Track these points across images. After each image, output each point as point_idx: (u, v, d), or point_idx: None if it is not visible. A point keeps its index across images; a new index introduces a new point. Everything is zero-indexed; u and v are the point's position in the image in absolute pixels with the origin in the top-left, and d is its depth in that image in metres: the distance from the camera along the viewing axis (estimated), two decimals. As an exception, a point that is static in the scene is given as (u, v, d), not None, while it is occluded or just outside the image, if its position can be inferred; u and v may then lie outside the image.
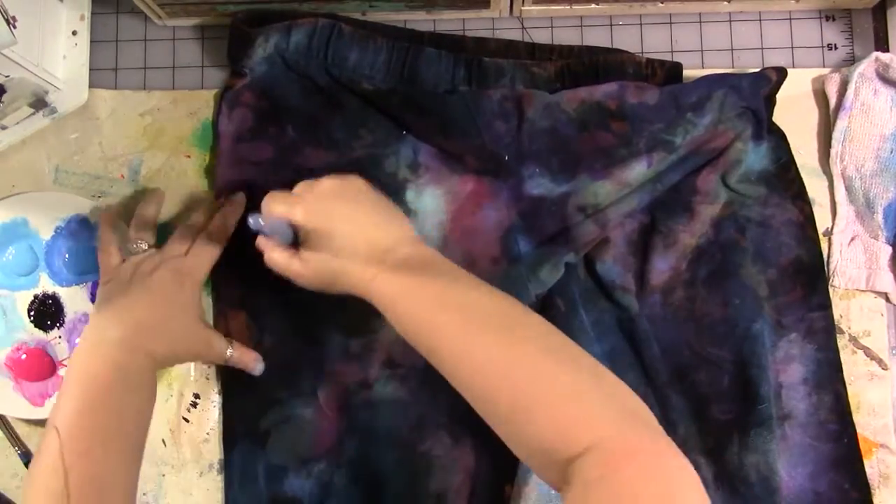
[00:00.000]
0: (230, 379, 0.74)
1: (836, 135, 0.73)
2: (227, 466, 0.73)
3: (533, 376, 0.51)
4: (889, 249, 0.73)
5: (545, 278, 0.72)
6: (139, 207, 0.72)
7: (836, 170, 0.74)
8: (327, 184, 0.62)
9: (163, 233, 0.77)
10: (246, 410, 0.73)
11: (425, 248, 0.61)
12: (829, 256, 0.74)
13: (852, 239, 0.73)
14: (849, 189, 0.74)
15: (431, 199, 0.74)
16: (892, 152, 0.73)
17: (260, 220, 0.63)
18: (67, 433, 0.58)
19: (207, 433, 0.75)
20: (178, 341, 0.67)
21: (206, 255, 0.70)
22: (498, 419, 0.53)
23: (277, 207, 0.61)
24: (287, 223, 0.62)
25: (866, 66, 0.73)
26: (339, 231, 0.60)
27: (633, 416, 0.49)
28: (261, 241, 0.64)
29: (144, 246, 0.71)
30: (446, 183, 0.74)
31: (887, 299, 0.74)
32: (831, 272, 0.73)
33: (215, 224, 0.71)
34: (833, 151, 0.73)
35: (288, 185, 0.74)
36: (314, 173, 0.73)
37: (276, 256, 0.62)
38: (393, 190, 0.74)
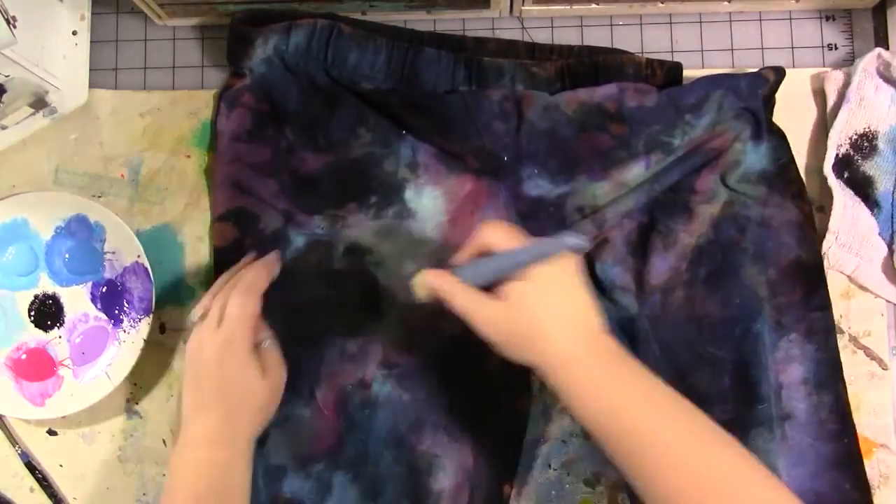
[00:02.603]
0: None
1: (837, 125, 0.73)
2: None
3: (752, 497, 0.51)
4: (884, 246, 0.73)
5: (544, 278, 0.72)
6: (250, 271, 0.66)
7: (831, 158, 0.74)
8: (568, 260, 0.58)
9: (166, 239, 0.77)
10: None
11: (619, 343, 0.57)
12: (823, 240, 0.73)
13: (851, 224, 0.73)
14: (846, 180, 0.74)
15: (430, 199, 0.74)
16: (889, 148, 0.73)
17: (576, 239, 0.56)
18: None
19: (207, 433, 0.75)
20: (254, 411, 0.62)
21: (242, 312, 0.62)
22: None
23: (516, 238, 0.57)
24: (515, 265, 0.56)
25: (869, 61, 0.73)
26: (557, 294, 0.56)
27: None
28: (436, 276, 0.58)
29: (195, 318, 0.64)
30: (445, 183, 0.74)
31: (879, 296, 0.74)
32: (823, 254, 0.73)
33: (247, 277, 0.65)
34: (831, 142, 0.73)
35: (285, 187, 0.74)
36: (311, 180, 0.74)
37: (464, 295, 0.57)
38: (392, 188, 0.74)
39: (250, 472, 0.61)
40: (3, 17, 0.65)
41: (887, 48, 0.76)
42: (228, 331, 0.61)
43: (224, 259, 0.74)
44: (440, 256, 0.72)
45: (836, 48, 0.78)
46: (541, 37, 0.78)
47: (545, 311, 0.55)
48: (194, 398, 0.61)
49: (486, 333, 0.57)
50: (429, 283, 0.59)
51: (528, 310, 0.55)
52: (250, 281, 0.64)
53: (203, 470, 0.59)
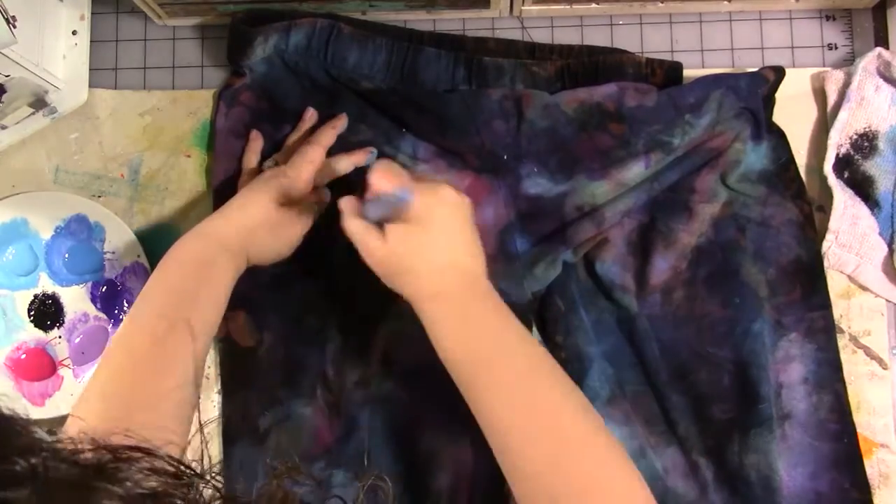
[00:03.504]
0: (230, 378, 0.74)
1: (837, 125, 0.73)
2: (227, 465, 0.72)
3: (576, 430, 0.54)
4: (884, 246, 0.73)
5: (542, 276, 0.72)
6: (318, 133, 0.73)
7: (831, 158, 0.74)
8: (450, 190, 0.60)
9: (166, 239, 0.77)
10: (245, 409, 0.73)
11: (492, 289, 0.61)
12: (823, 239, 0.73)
13: (851, 224, 0.73)
14: (846, 180, 0.74)
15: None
16: (889, 148, 0.73)
17: (400, 192, 0.59)
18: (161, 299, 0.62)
19: (208, 433, 0.75)
20: (265, 243, 0.67)
21: (303, 165, 0.69)
22: (531, 462, 0.54)
23: (399, 178, 0.59)
24: (397, 199, 0.59)
25: (869, 61, 0.73)
26: (437, 234, 0.59)
27: (641, 477, 0.54)
28: (346, 201, 0.61)
29: (273, 164, 0.72)
30: (444, 176, 0.74)
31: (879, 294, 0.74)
32: (823, 253, 0.73)
33: (312, 138, 0.72)
34: (831, 142, 0.73)
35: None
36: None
37: (357, 223, 0.60)
38: None
39: (233, 278, 0.65)
40: (3, 17, 0.65)
41: (887, 48, 0.76)
42: (289, 167, 0.69)
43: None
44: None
45: (836, 48, 0.78)
46: (541, 37, 0.78)
47: (419, 250, 0.59)
48: (223, 207, 0.67)
49: (368, 263, 0.61)
50: (339, 205, 0.62)
51: (402, 248, 0.59)
52: (317, 136, 0.72)
53: (188, 259, 0.63)
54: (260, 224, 0.66)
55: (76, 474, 0.37)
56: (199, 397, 0.62)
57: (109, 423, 0.51)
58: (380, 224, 0.60)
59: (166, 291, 0.63)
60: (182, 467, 0.39)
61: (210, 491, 0.40)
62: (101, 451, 0.38)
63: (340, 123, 0.74)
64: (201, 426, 0.65)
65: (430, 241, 0.59)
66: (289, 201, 0.68)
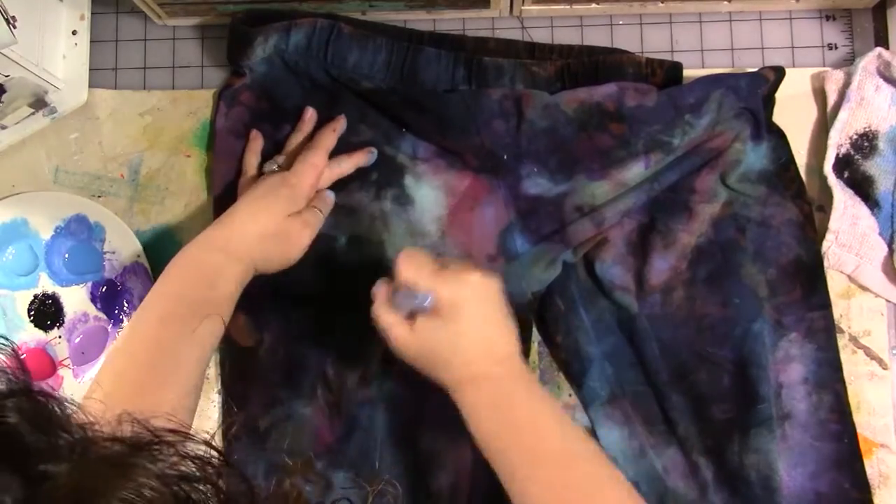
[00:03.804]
0: (230, 378, 0.74)
1: (837, 125, 0.73)
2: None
3: None
4: (884, 246, 0.73)
5: (542, 276, 0.72)
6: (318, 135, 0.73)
7: (831, 158, 0.74)
8: (476, 275, 0.59)
9: (166, 239, 0.77)
10: (246, 409, 0.73)
11: (527, 369, 0.60)
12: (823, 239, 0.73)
13: (851, 224, 0.73)
14: (846, 180, 0.74)
15: (429, 190, 0.74)
16: (889, 148, 0.73)
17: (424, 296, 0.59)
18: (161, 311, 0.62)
19: (207, 433, 0.74)
20: (274, 252, 0.67)
21: (306, 170, 0.70)
22: None
23: (425, 279, 0.59)
24: (421, 300, 0.59)
25: (869, 61, 0.73)
26: (468, 324, 0.58)
27: None
28: (379, 289, 0.61)
29: (275, 167, 0.72)
30: (444, 176, 0.74)
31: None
32: (823, 253, 0.73)
33: (313, 142, 0.72)
34: (831, 142, 0.73)
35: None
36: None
37: (388, 317, 0.60)
38: (392, 169, 0.74)
39: (239, 287, 0.65)
40: (3, 17, 0.65)
41: (887, 48, 0.76)
42: (292, 174, 0.69)
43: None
44: (439, 251, 0.73)
45: (836, 48, 0.78)
46: (541, 37, 0.78)
47: (450, 341, 0.58)
48: (230, 213, 0.67)
49: (400, 355, 0.60)
50: (373, 293, 0.62)
51: (434, 341, 0.59)
52: (319, 140, 0.72)
53: (194, 266, 0.63)
54: (270, 234, 0.66)
55: (116, 451, 0.37)
56: (197, 404, 0.62)
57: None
58: (412, 314, 0.59)
59: (171, 299, 0.62)
60: (216, 454, 0.40)
61: (236, 481, 0.40)
62: (141, 431, 0.39)
63: (340, 125, 0.74)
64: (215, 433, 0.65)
65: (460, 332, 0.58)
66: (296, 208, 0.68)
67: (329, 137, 0.72)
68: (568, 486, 0.54)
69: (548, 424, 0.57)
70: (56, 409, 0.38)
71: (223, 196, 0.75)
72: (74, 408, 0.39)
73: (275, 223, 0.67)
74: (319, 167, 0.70)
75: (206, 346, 0.62)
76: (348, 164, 0.73)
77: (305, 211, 0.69)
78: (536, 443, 0.56)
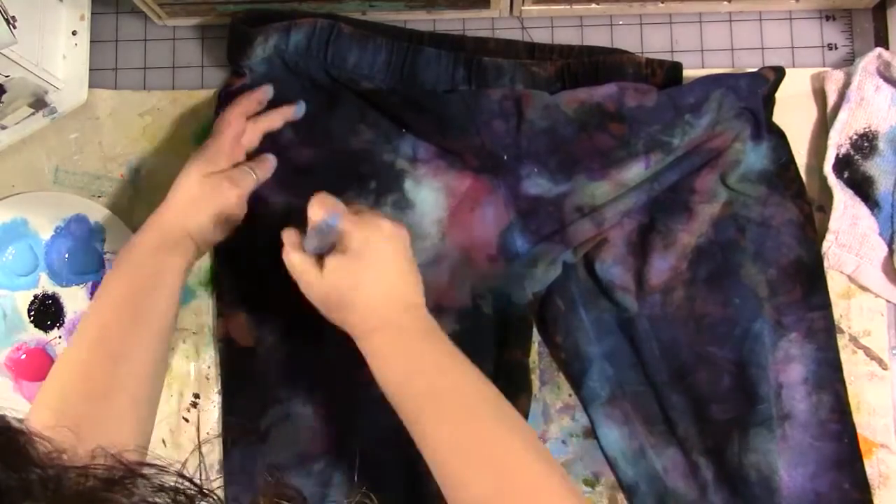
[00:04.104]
0: (230, 378, 0.74)
1: (837, 125, 0.73)
2: (227, 465, 0.72)
3: (518, 464, 0.53)
4: (884, 246, 0.73)
5: (542, 276, 0.72)
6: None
7: (831, 158, 0.74)
8: (385, 221, 0.61)
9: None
10: (245, 409, 0.73)
11: (432, 319, 0.61)
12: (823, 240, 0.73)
13: (851, 224, 0.73)
14: (846, 180, 0.74)
15: (429, 192, 0.74)
16: (889, 148, 0.73)
17: (329, 219, 0.60)
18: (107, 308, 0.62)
19: (207, 433, 0.75)
20: (202, 216, 0.67)
21: (220, 124, 0.70)
22: (472, 499, 0.53)
23: (336, 207, 0.60)
24: (331, 230, 0.60)
25: (869, 61, 0.73)
26: (374, 267, 0.59)
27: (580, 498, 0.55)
28: (286, 234, 0.62)
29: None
30: (444, 177, 0.74)
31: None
32: (823, 253, 0.73)
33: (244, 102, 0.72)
34: (831, 142, 0.73)
35: (282, 182, 0.74)
36: (310, 170, 0.74)
37: (297, 257, 0.61)
38: (391, 176, 0.74)
39: (180, 267, 0.65)
40: (3, 17, 0.65)
41: (887, 48, 0.76)
42: (210, 136, 0.70)
43: (225, 259, 0.74)
44: (439, 252, 0.73)
45: (836, 48, 0.78)
46: (541, 37, 0.78)
47: (356, 284, 0.59)
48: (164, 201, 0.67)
49: (308, 296, 0.61)
50: (282, 237, 0.62)
51: (340, 280, 0.59)
52: (243, 104, 0.71)
53: (134, 269, 0.64)
54: (195, 198, 0.66)
55: (89, 487, 0.37)
56: (160, 391, 0.63)
57: (67, 419, 0.51)
58: (322, 258, 0.60)
59: (119, 288, 0.63)
60: (188, 484, 0.40)
61: None
62: (114, 466, 0.38)
63: (292, 111, 0.73)
64: (199, 443, 0.65)
65: (366, 275, 0.59)
66: (215, 167, 0.68)
67: (270, 115, 0.72)
68: (469, 432, 0.55)
69: (451, 373, 0.58)
70: (26, 444, 0.38)
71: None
72: (45, 442, 0.38)
73: (196, 185, 0.66)
74: (233, 124, 0.70)
75: (157, 329, 0.62)
76: (276, 118, 0.72)
77: (232, 169, 0.68)
78: (440, 389, 0.57)
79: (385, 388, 0.58)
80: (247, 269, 0.74)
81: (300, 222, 0.73)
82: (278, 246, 0.73)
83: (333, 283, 0.59)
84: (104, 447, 0.39)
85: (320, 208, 0.60)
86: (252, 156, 0.73)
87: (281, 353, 0.73)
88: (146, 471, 0.39)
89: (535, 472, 0.53)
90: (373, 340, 0.59)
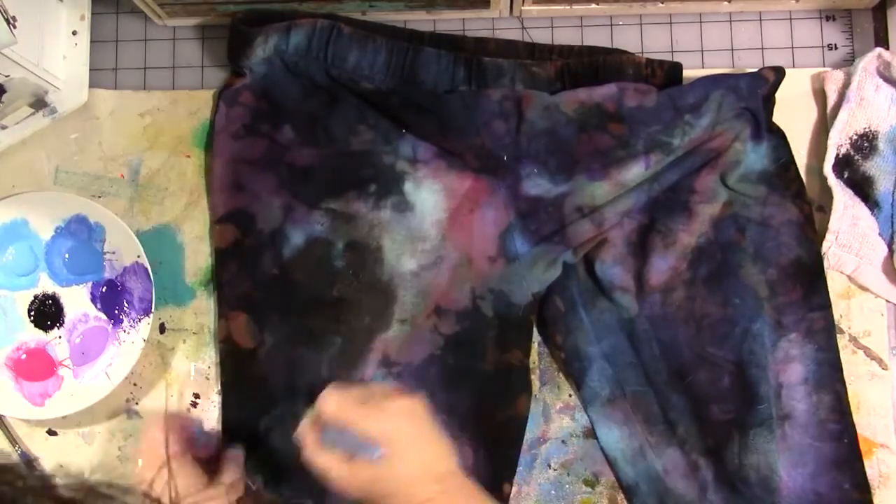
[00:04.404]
0: (230, 379, 0.74)
1: (837, 125, 0.73)
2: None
3: None
4: (884, 246, 0.73)
5: (542, 277, 0.72)
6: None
7: (831, 158, 0.74)
8: (397, 401, 0.60)
9: (166, 239, 0.77)
10: (245, 411, 0.73)
11: (469, 479, 0.60)
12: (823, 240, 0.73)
13: (851, 224, 0.73)
14: (846, 180, 0.74)
15: (429, 194, 0.74)
16: (889, 148, 0.73)
17: (340, 435, 0.59)
18: None
19: (207, 433, 0.75)
20: None
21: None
22: None
23: (351, 417, 0.59)
24: (374, 448, 0.58)
25: (869, 61, 0.73)
26: (401, 451, 0.58)
27: None
28: (304, 433, 0.60)
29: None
30: (444, 178, 0.74)
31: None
32: (823, 254, 0.73)
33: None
34: (831, 142, 0.73)
35: (282, 183, 0.74)
36: (310, 171, 0.74)
37: (321, 457, 0.59)
38: (391, 178, 0.74)
39: None
40: (3, 17, 0.65)
41: (887, 48, 0.76)
42: None
43: (225, 259, 0.74)
44: (439, 253, 0.73)
45: (836, 48, 0.78)
46: (541, 37, 0.78)
47: (391, 473, 0.58)
48: None
49: (341, 494, 0.59)
50: (300, 437, 0.61)
51: (372, 477, 0.58)
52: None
53: None
54: None
55: None
56: None
57: None
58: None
59: None
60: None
61: None
62: (78, 488, 0.38)
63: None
64: (169, 459, 0.64)
65: (397, 463, 0.58)
66: None
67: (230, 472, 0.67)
68: None
69: None
70: None
71: (222, 196, 0.75)
72: (16, 463, 0.38)
73: None
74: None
75: None
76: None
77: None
78: None
79: None
80: (247, 271, 0.74)
81: (299, 221, 0.74)
82: (279, 246, 0.73)
83: (367, 480, 0.59)
84: (66, 466, 0.39)
85: (332, 408, 0.59)
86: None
87: (281, 354, 0.73)
88: (109, 492, 0.38)
89: None
90: None
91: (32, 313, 0.76)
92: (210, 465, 0.67)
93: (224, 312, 0.74)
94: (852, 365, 0.73)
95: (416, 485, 0.58)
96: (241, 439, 0.72)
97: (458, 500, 0.59)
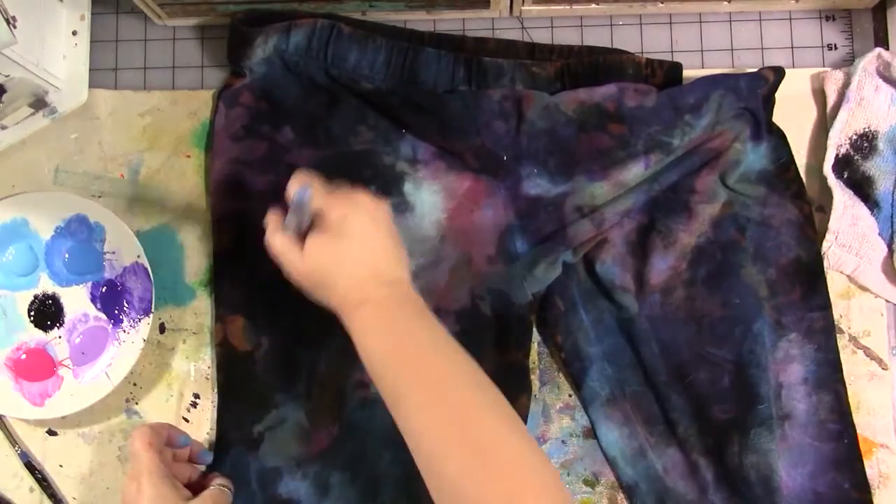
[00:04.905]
0: (227, 382, 0.74)
1: (837, 125, 0.73)
2: (218, 471, 0.70)
3: (493, 442, 0.53)
4: (884, 246, 0.73)
5: (542, 277, 0.72)
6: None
7: (831, 158, 0.74)
8: (363, 195, 0.61)
9: (166, 239, 0.77)
10: (242, 413, 0.72)
11: (418, 294, 0.60)
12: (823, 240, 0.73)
13: (851, 224, 0.73)
14: (846, 180, 0.74)
15: (429, 194, 0.74)
16: (889, 148, 0.73)
17: (300, 191, 0.60)
18: None
19: (207, 433, 0.75)
20: None
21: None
22: (447, 477, 0.53)
23: (308, 180, 0.60)
24: (304, 204, 0.60)
25: (869, 61, 0.73)
26: (354, 242, 0.59)
27: (560, 481, 0.54)
28: (268, 218, 0.62)
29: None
30: (444, 179, 0.74)
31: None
32: (823, 254, 0.73)
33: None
34: (831, 142, 0.73)
35: (282, 184, 0.74)
36: (311, 167, 0.74)
37: (278, 239, 0.60)
38: (391, 179, 0.74)
39: None
40: (3, 17, 0.65)
41: (887, 48, 0.76)
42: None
43: (223, 262, 0.74)
44: (439, 254, 0.73)
45: (836, 48, 0.78)
46: (541, 37, 0.78)
47: (337, 260, 0.59)
48: None
49: (292, 280, 0.61)
50: (265, 221, 0.62)
51: (320, 258, 0.59)
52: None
53: None
54: None
55: None
56: None
57: None
58: (302, 234, 0.60)
59: None
60: None
61: None
62: None
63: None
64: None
65: (348, 251, 0.59)
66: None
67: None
68: (448, 408, 0.54)
69: (433, 350, 0.57)
70: None
71: (220, 198, 0.75)
72: None
73: None
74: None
75: None
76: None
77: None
78: (421, 367, 0.56)
79: (367, 365, 0.58)
80: (245, 274, 0.74)
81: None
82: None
83: (314, 261, 0.59)
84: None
85: (295, 184, 0.60)
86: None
87: (279, 357, 0.72)
88: None
89: (513, 449, 0.53)
90: (355, 317, 0.58)
91: (32, 313, 0.76)
92: (193, 486, 0.67)
93: (221, 315, 0.74)
94: (852, 365, 0.73)
95: (360, 281, 0.58)
96: (236, 446, 0.71)
97: (403, 308, 0.58)
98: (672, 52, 0.78)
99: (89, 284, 0.76)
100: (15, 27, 0.70)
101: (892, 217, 0.73)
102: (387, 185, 0.74)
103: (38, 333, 0.75)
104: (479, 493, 0.51)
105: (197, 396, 0.75)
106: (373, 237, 0.60)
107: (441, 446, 0.53)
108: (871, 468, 0.71)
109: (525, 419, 0.72)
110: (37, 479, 0.75)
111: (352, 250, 0.59)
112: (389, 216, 0.61)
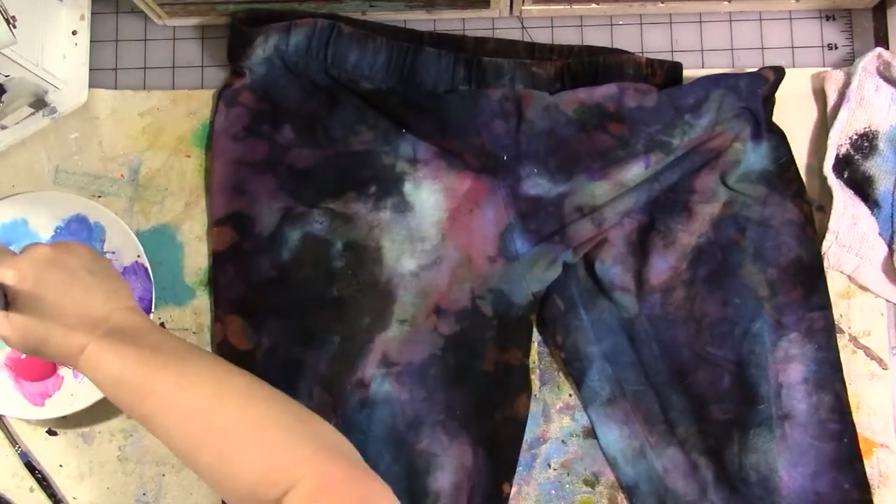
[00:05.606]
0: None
1: (837, 125, 0.73)
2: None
3: (237, 424, 0.54)
4: (884, 246, 0.73)
5: (542, 277, 0.72)
6: None
7: (831, 158, 0.74)
8: (43, 250, 0.59)
9: (166, 239, 0.77)
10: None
11: (139, 316, 0.60)
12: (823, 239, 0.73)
13: (851, 224, 0.73)
14: (846, 180, 0.74)
15: (429, 194, 0.74)
16: (889, 148, 0.73)
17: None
18: None
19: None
20: None
21: None
22: (206, 468, 0.54)
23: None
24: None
25: (869, 61, 0.73)
26: (49, 298, 0.58)
27: (332, 451, 0.53)
28: None
29: None
30: (444, 179, 0.74)
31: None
32: (823, 253, 0.73)
33: None
34: (831, 142, 0.73)
35: (282, 185, 0.74)
36: (309, 172, 0.74)
37: None
38: (391, 179, 0.74)
39: None
40: (3, 17, 0.65)
41: (887, 48, 0.76)
42: None
43: (221, 263, 0.74)
44: (439, 254, 0.73)
45: (836, 48, 0.78)
46: (541, 37, 0.78)
47: (39, 321, 0.57)
48: None
49: (13, 347, 0.59)
50: None
51: (30, 321, 0.57)
52: None
53: None
54: None
55: None
56: None
57: None
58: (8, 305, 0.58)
59: None
60: None
61: None
62: None
63: None
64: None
65: (45, 309, 0.57)
66: None
67: None
68: (187, 410, 0.55)
69: (162, 362, 0.57)
70: None
71: (220, 198, 0.75)
72: None
73: None
74: None
75: None
76: None
77: None
78: (152, 382, 0.56)
79: (112, 400, 0.58)
80: (245, 274, 0.74)
81: (298, 222, 0.74)
82: (277, 248, 0.73)
83: (23, 328, 0.57)
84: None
85: None
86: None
87: (279, 356, 0.72)
88: None
89: (256, 432, 0.54)
90: (81, 364, 0.58)
91: (32, 313, 0.75)
92: None
93: (220, 316, 0.74)
94: (852, 365, 0.73)
95: (68, 333, 0.57)
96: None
97: (121, 338, 0.57)
98: (672, 52, 0.78)
99: (89, 284, 0.75)
100: (15, 27, 0.70)
101: (892, 217, 0.73)
102: (387, 185, 0.74)
103: (38, 333, 0.75)
104: (234, 485, 0.53)
105: (197, 396, 0.75)
106: (69, 285, 0.59)
107: (191, 450, 0.55)
108: (871, 468, 0.71)
109: (525, 419, 0.72)
110: (37, 479, 0.75)
111: (51, 307, 0.57)
112: (84, 253, 0.60)
